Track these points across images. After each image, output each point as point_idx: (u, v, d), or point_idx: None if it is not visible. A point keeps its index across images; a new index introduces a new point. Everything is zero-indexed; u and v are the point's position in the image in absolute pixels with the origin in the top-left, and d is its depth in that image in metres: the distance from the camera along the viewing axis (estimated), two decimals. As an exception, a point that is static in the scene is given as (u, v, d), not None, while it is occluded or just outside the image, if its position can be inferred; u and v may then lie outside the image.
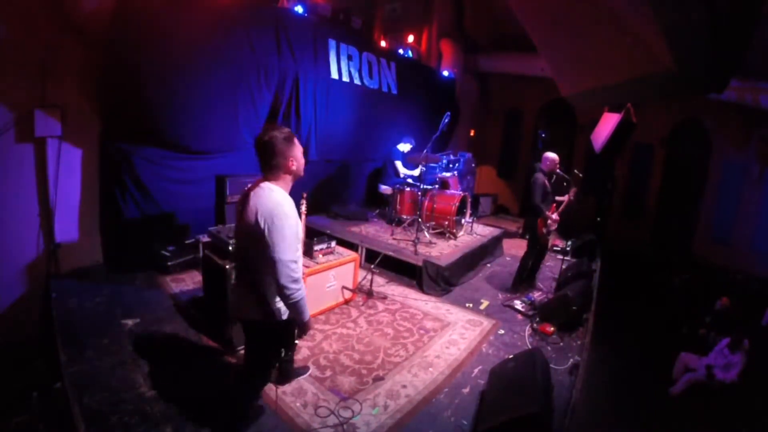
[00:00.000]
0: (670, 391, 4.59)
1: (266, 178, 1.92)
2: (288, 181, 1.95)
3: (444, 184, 6.30)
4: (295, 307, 1.89)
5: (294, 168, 1.93)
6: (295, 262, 1.84)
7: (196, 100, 4.23)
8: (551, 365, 2.98)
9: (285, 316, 1.99)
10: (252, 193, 1.89)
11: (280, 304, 1.96)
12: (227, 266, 2.88)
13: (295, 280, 1.83)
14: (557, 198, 4.62)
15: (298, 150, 1.95)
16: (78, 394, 2.40)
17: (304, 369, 2.89)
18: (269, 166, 1.90)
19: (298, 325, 2.00)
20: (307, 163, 2.17)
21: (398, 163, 6.05)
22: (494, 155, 10.18)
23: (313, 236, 3.89)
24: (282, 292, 1.84)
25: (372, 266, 4.44)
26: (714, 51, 1.67)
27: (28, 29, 3.49)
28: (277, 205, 1.82)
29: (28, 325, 3.66)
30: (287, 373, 2.73)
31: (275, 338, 2.11)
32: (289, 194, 1.94)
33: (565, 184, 4.67)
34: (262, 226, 1.79)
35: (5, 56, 3.40)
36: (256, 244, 1.82)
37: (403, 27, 7.65)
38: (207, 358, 2.97)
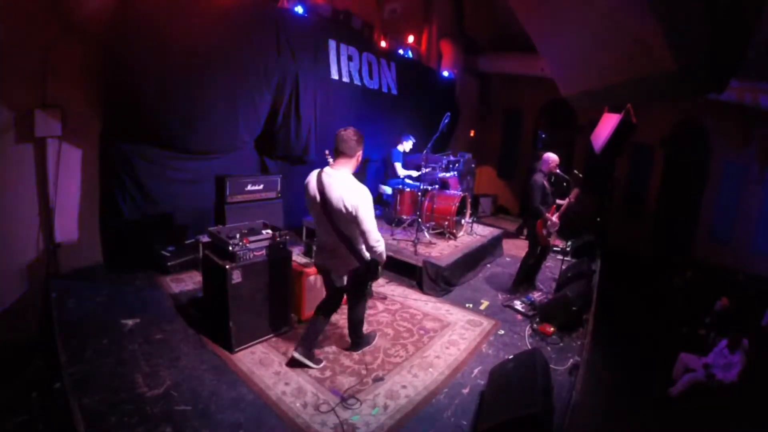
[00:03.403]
0: (670, 391, 4.60)
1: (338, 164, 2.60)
2: (353, 168, 2.65)
3: (444, 185, 6.29)
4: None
5: (359, 160, 2.71)
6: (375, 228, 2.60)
7: (196, 100, 4.23)
8: (551, 365, 2.97)
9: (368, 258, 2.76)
10: (326, 179, 2.54)
11: (365, 252, 2.72)
12: (227, 266, 2.87)
13: (378, 240, 2.60)
14: (558, 201, 4.60)
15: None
16: (78, 394, 2.40)
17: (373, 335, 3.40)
18: (345, 154, 2.59)
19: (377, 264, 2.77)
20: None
21: (398, 164, 6.04)
22: (494, 155, 10.18)
23: (312, 236, 3.88)
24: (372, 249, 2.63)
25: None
26: (714, 51, 1.67)
27: (28, 29, 3.49)
28: (361, 189, 2.52)
29: (28, 325, 3.66)
30: (358, 342, 3.21)
31: (366, 274, 2.82)
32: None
33: (565, 184, 4.66)
34: (350, 209, 2.47)
35: (5, 56, 3.40)
36: (351, 222, 2.54)
37: (403, 27, 7.64)
38: (207, 358, 2.97)
